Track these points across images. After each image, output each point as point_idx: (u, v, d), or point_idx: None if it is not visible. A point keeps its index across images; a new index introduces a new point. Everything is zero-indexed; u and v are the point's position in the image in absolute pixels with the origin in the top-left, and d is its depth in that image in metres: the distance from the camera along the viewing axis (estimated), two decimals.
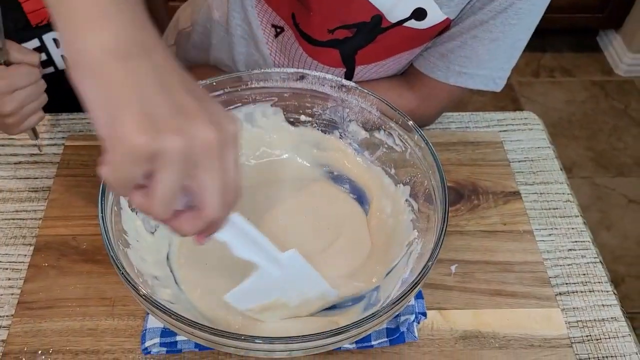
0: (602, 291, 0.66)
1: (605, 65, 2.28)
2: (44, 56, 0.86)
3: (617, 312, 0.65)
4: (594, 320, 0.64)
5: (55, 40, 0.85)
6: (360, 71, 0.79)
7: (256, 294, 0.58)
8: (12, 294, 0.64)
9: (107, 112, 0.37)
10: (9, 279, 0.65)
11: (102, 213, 0.54)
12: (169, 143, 0.37)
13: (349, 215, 0.68)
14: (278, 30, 0.77)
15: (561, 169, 0.78)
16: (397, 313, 0.55)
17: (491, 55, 0.72)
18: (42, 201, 0.72)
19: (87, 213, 0.70)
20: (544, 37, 2.30)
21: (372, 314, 0.50)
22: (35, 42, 0.85)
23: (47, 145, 0.78)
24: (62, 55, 0.87)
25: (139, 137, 0.36)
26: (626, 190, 1.87)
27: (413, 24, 0.70)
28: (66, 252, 0.67)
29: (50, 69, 0.88)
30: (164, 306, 0.49)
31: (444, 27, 0.73)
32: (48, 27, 0.84)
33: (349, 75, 0.79)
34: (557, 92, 2.17)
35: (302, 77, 0.66)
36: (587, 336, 0.63)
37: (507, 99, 2.08)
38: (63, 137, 0.79)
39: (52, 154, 0.77)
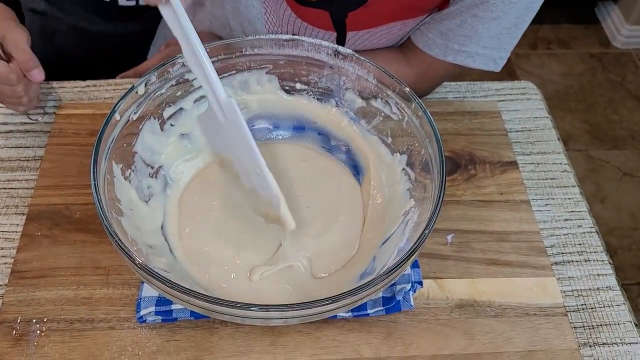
0: (597, 260, 0.67)
1: (602, 37, 2.26)
2: None
3: (612, 281, 0.65)
4: (589, 289, 0.64)
5: None
6: (352, 38, 0.77)
7: (216, 133, 0.61)
8: (5, 263, 0.63)
9: None
10: (2, 249, 0.65)
11: (94, 181, 0.54)
12: None
13: (344, 187, 0.68)
14: None
15: (558, 139, 0.77)
16: (393, 282, 0.55)
17: (492, 34, 0.71)
18: (34, 170, 0.71)
19: (80, 182, 0.69)
20: (541, 9, 2.27)
21: (368, 282, 0.50)
22: None
23: (38, 114, 0.77)
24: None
25: None
26: (620, 163, 1.87)
27: None
28: (59, 221, 0.66)
29: None
30: (159, 274, 0.49)
31: (441, 1, 0.71)
32: None
33: (340, 42, 0.78)
34: (554, 64, 2.15)
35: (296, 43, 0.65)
36: (582, 305, 0.63)
37: (504, 71, 2.05)
38: (54, 106, 0.77)
39: (44, 122, 0.76)
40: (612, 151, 1.91)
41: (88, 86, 0.80)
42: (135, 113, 0.61)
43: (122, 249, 0.50)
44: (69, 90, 0.80)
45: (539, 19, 2.28)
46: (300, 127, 0.71)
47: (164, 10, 0.55)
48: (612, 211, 1.75)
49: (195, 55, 0.56)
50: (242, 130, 0.57)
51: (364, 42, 0.79)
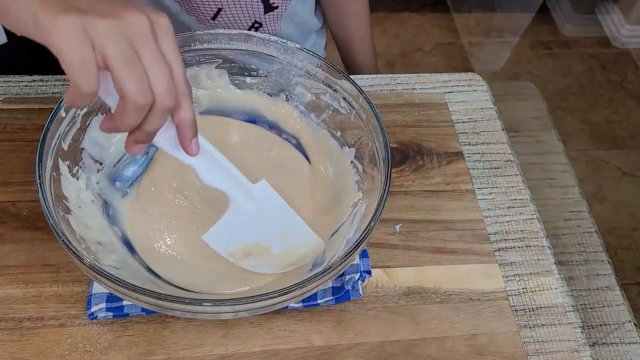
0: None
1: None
2: None
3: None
4: (529, 274, 0.65)
5: None
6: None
7: (234, 235, 0.57)
8: None
9: (32, 13, 0.37)
10: None
11: (39, 179, 0.52)
12: (97, 21, 0.36)
13: (298, 181, 0.69)
14: None
15: (503, 129, 0.77)
16: (342, 272, 0.56)
17: None
18: None
19: (26, 179, 0.67)
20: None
21: (317, 273, 0.51)
22: None
23: None
24: None
25: (63, 17, 0.36)
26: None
27: None
28: (6, 219, 0.64)
29: None
30: (107, 272, 0.49)
31: None
32: None
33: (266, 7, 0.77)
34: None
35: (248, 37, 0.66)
36: (522, 289, 0.63)
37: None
38: None
39: None
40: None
41: (35, 80, 0.77)
42: (81, 109, 0.60)
43: (69, 247, 0.49)
44: (15, 84, 0.77)
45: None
46: (251, 121, 0.72)
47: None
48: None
49: (222, 169, 0.53)
50: (275, 199, 0.58)
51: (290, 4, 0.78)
